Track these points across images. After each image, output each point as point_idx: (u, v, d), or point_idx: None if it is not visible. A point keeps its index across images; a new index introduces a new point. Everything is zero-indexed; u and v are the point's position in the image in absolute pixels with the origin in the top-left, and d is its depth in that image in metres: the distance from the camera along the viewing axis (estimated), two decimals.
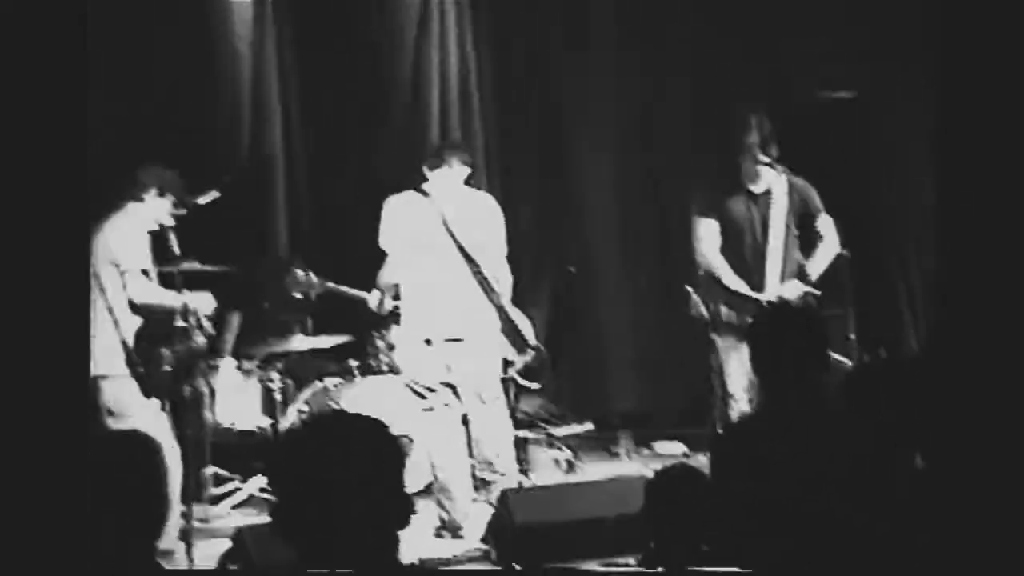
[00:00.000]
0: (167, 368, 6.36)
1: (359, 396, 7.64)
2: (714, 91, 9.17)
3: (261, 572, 5.44)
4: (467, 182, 6.95)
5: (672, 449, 8.75)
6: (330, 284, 7.41)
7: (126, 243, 6.33)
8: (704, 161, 8.62)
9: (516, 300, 7.27)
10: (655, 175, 9.65)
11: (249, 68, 8.91)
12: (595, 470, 8.32)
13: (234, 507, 7.55)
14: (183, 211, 6.55)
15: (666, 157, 9.53)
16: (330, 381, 7.84)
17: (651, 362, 9.73)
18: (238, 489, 7.67)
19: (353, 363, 8.06)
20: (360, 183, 8.52)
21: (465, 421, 6.87)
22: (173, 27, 8.46)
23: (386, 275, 6.87)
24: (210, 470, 7.56)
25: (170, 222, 6.50)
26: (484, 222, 6.91)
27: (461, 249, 6.76)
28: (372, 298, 7.02)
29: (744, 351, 5.66)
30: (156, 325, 6.40)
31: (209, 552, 6.21)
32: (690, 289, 7.13)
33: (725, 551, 3.69)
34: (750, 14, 9.07)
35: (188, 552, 6.09)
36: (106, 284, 6.28)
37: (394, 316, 6.95)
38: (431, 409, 6.75)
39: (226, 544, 6.00)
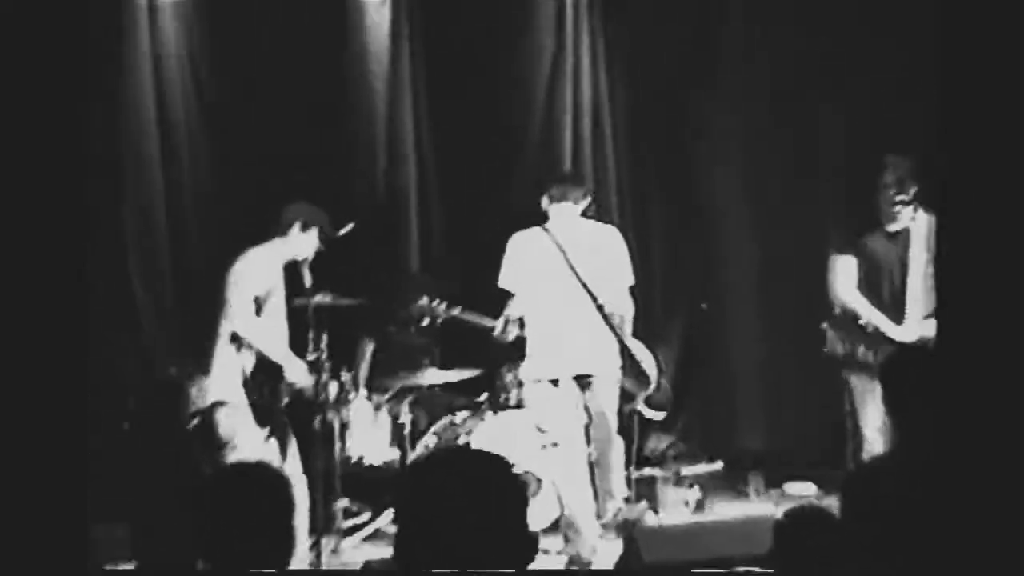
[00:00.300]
0: (285, 400, 6.43)
1: (487, 431, 7.65)
2: (848, 128, 9.05)
3: None
4: (587, 214, 6.95)
5: (803, 490, 8.59)
6: (455, 311, 7.41)
7: (252, 276, 6.43)
8: (840, 198, 8.51)
9: (647, 336, 7.22)
10: (789, 212, 9.52)
11: (384, 104, 9.01)
12: (724, 510, 8.23)
13: (364, 540, 7.59)
14: (325, 246, 6.64)
15: (801, 194, 9.41)
16: (459, 416, 7.86)
17: (783, 401, 9.59)
18: (369, 522, 7.72)
19: (482, 398, 8.08)
20: (492, 216, 8.53)
21: (589, 456, 6.86)
22: (312, 67, 8.59)
23: (513, 310, 6.88)
24: (341, 503, 7.60)
25: (309, 256, 6.60)
26: (605, 255, 6.91)
27: (583, 284, 6.76)
28: (498, 324, 7.01)
29: (879, 391, 5.54)
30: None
31: None
32: (826, 327, 7.04)
33: None
34: (884, 52, 8.91)
35: None
36: (231, 312, 6.39)
37: (521, 351, 6.94)
38: (556, 444, 6.74)
39: None
